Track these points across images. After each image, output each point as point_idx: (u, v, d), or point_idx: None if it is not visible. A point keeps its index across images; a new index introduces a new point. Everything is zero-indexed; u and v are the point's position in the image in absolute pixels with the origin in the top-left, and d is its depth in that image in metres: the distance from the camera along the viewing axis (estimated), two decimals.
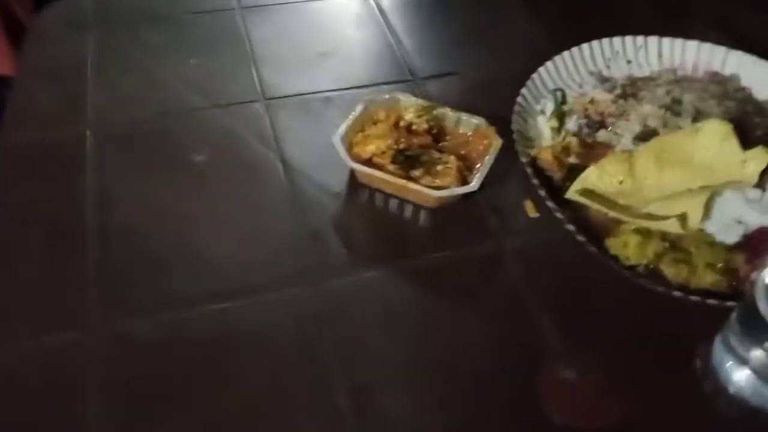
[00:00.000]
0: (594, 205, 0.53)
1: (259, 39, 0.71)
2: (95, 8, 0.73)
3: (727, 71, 0.68)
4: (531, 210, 0.56)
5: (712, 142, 0.53)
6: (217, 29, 0.72)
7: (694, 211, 0.52)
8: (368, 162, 0.56)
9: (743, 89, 0.66)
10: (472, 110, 0.59)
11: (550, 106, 0.64)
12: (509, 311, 0.50)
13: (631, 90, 0.66)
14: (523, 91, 0.63)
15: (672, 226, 0.51)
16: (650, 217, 0.52)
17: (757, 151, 0.52)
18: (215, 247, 0.52)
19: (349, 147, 0.56)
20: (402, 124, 0.57)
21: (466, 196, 0.55)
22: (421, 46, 0.73)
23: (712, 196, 0.53)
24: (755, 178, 0.52)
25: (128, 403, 0.43)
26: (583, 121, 0.63)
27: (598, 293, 0.50)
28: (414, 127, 0.57)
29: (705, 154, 0.54)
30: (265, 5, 0.75)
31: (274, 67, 0.68)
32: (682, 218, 0.51)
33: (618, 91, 0.66)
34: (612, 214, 0.52)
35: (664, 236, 0.52)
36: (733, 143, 0.53)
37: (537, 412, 0.44)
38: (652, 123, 0.61)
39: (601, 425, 0.43)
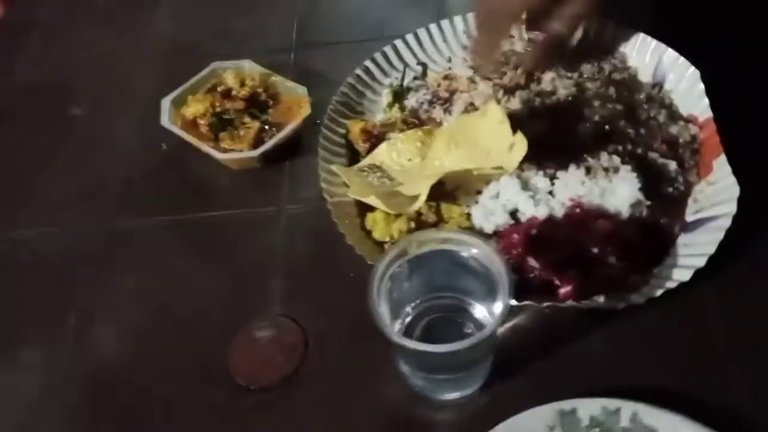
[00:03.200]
0: (353, 187, 0.54)
1: None
2: None
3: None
4: None
5: (491, 126, 0.52)
6: None
7: (423, 193, 0.51)
8: (193, 122, 0.63)
9: (627, 69, 0.62)
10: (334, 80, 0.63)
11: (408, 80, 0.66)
12: (253, 272, 0.55)
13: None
14: (367, 62, 0.65)
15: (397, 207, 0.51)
16: (392, 196, 0.53)
17: (518, 137, 0.50)
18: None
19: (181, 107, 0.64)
20: (220, 89, 0.63)
21: (270, 161, 0.60)
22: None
23: (466, 180, 0.52)
24: (514, 165, 0.50)
25: None
26: (428, 97, 0.63)
27: (333, 264, 0.53)
28: (233, 93, 0.63)
29: (485, 138, 0.53)
30: None
31: None
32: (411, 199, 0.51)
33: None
34: (364, 198, 0.53)
35: (415, 216, 0.53)
36: (506, 128, 0.51)
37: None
38: (477, 101, 0.60)
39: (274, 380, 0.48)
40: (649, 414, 0.41)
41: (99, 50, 0.77)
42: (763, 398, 0.44)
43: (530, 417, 0.41)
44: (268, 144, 0.59)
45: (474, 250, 0.41)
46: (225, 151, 0.60)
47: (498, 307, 0.39)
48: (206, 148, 0.60)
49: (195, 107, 0.62)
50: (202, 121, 0.62)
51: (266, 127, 0.61)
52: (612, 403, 0.42)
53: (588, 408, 0.41)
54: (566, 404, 0.41)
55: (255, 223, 0.58)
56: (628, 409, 0.41)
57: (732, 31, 0.63)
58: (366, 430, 0.46)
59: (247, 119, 0.62)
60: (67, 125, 0.69)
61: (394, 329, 0.41)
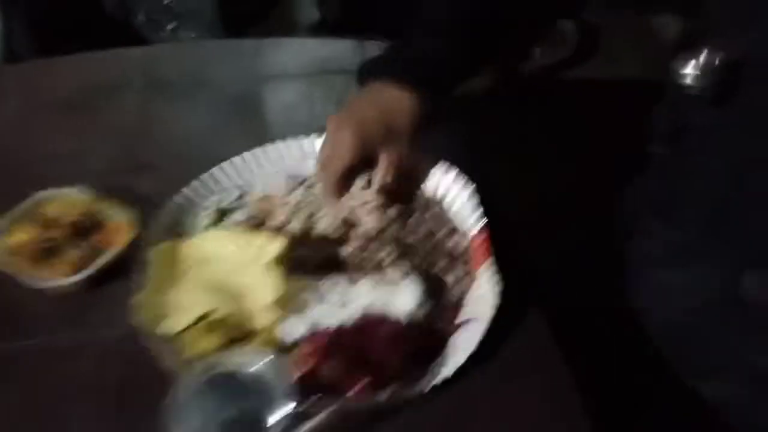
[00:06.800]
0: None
1: None
2: None
3: None
4: None
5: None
6: None
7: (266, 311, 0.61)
8: (15, 251, 0.68)
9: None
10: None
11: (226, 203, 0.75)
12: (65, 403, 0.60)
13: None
14: (186, 189, 0.74)
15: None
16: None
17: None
18: None
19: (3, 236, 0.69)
20: (44, 218, 0.70)
21: (95, 286, 0.67)
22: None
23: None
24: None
25: None
26: (245, 217, 0.73)
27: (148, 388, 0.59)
28: (58, 221, 0.70)
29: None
30: None
31: None
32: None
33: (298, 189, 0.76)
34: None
35: (227, 332, 0.61)
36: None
37: None
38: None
39: None
40: None
41: None
42: None
43: None
44: (88, 270, 0.66)
45: (254, 365, 0.51)
46: (47, 278, 0.66)
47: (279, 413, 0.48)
48: (25, 277, 0.65)
49: (18, 237, 0.68)
50: (24, 250, 0.68)
51: (90, 252, 0.68)
52: None
53: None
54: None
55: (67, 351, 0.63)
56: None
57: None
58: None
59: (70, 247, 0.68)
60: None
61: None
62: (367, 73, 0.74)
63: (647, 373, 0.73)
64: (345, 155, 0.68)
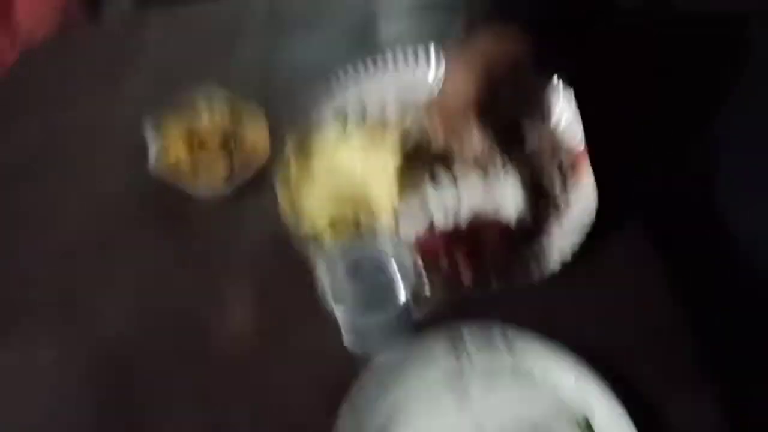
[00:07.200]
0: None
1: None
2: None
3: None
4: None
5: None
6: None
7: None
8: (175, 165, 0.81)
9: None
10: None
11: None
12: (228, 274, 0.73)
13: None
14: (310, 108, 0.83)
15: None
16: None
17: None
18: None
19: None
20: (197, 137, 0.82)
21: (241, 194, 0.79)
22: None
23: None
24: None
25: None
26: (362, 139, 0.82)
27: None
28: (208, 140, 0.82)
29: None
30: None
31: None
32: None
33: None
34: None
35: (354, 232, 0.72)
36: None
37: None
38: None
39: None
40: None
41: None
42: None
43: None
44: (236, 181, 0.78)
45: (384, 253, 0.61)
46: (202, 187, 0.78)
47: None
48: (184, 186, 0.78)
49: (174, 153, 0.81)
50: (181, 165, 0.81)
51: (236, 166, 0.80)
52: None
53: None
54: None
55: (230, 240, 0.76)
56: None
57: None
58: None
59: (218, 162, 0.80)
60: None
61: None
62: (475, 13, 0.76)
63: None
64: (467, 98, 0.71)
